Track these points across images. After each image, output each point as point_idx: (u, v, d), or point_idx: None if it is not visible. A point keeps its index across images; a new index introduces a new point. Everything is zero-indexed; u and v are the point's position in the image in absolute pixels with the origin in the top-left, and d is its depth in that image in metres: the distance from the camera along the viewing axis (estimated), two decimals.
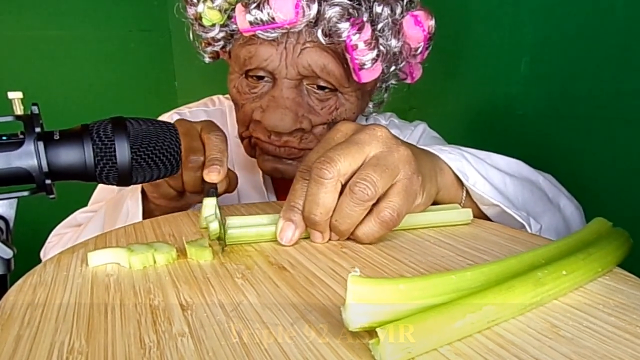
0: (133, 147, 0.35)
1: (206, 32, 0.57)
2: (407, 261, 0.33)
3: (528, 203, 0.49)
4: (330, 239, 0.38)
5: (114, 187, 0.66)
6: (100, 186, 0.70)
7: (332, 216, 0.36)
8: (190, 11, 0.56)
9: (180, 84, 1.23)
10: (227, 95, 0.77)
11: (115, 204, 0.55)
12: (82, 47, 1.13)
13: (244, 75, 0.57)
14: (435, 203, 0.44)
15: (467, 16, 0.88)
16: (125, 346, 0.23)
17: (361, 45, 0.50)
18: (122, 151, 0.35)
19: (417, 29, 0.55)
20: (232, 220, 0.38)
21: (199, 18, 0.55)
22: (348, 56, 0.51)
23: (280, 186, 0.69)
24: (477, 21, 0.86)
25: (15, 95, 0.34)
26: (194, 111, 0.74)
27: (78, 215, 0.67)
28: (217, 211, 0.39)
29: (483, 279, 0.25)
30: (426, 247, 0.36)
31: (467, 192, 0.46)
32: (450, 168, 0.45)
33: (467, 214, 0.42)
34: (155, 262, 0.34)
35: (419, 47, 0.57)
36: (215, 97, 0.77)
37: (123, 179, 0.36)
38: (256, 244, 0.37)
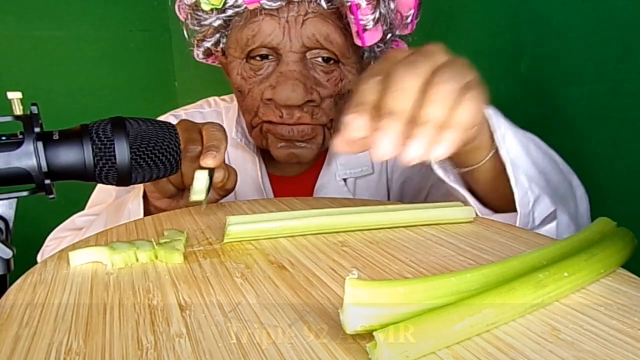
0: (132, 147, 0.35)
1: (203, 21, 0.57)
2: (408, 260, 0.33)
3: (555, 185, 0.48)
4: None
5: (112, 190, 0.66)
6: (98, 189, 0.70)
7: (420, 109, 0.30)
8: (187, 1, 0.56)
9: (180, 84, 1.23)
10: (224, 97, 0.76)
11: (116, 208, 0.55)
12: (82, 47, 1.13)
13: (245, 60, 0.57)
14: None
15: (467, 16, 0.88)
16: (123, 347, 0.23)
17: (364, 4, 0.51)
18: (122, 151, 0.35)
19: None
20: (232, 218, 0.38)
21: (195, 7, 0.56)
22: (351, 17, 0.52)
23: (278, 187, 0.69)
24: (477, 21, 0.86)
25: (14, 95, 0.34)
26: (189, 113, 0.73)
27: (77, 218, 0.66)
28: (207, 184, 0.42)
29: (483, 280, 0.25)
30: (428, 246, 0.36)
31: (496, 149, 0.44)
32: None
33: (470, 211, 0.42)
34: (137, 260, 0.34)
35: (409, 15, 0.58)
36: (211, 99, 0.77)
37: (122, 179, 0.36)
38: (256, 242, 0.37)
